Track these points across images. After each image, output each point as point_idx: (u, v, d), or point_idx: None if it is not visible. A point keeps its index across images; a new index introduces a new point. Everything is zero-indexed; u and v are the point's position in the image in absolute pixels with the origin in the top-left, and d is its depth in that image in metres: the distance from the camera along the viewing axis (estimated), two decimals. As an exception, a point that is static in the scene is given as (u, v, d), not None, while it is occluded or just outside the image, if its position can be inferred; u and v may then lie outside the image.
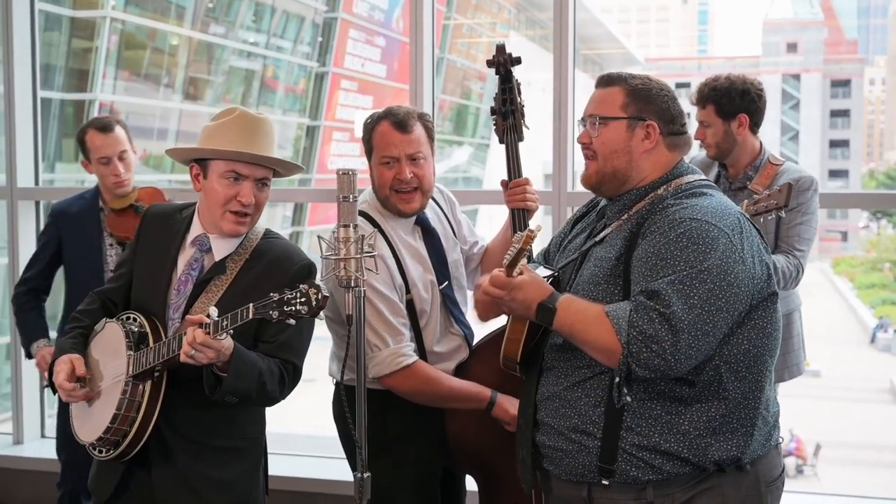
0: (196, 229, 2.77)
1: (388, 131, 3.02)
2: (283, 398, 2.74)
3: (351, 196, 2.44)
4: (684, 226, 2.28)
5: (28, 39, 5.16)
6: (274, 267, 2.70)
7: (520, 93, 3.26)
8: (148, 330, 2.67)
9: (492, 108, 3.28)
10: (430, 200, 3.19)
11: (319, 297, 2.37)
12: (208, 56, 21.95)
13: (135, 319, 2.71)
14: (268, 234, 2.82)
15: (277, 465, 4.58)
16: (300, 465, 4.72)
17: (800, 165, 3.73)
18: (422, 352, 3.07)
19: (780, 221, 3.47)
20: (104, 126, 3.92)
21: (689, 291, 2.22)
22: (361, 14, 25.12)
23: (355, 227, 2.44)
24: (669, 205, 2.37)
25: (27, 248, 5.12)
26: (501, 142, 3.26)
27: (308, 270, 2.72)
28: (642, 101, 2.46)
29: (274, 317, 2.38)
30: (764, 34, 55.54)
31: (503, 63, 3.26)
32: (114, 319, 2.77)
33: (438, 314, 3.13)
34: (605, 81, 2.52)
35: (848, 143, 54.12)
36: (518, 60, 3.25)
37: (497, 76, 3.30)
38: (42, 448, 5.14)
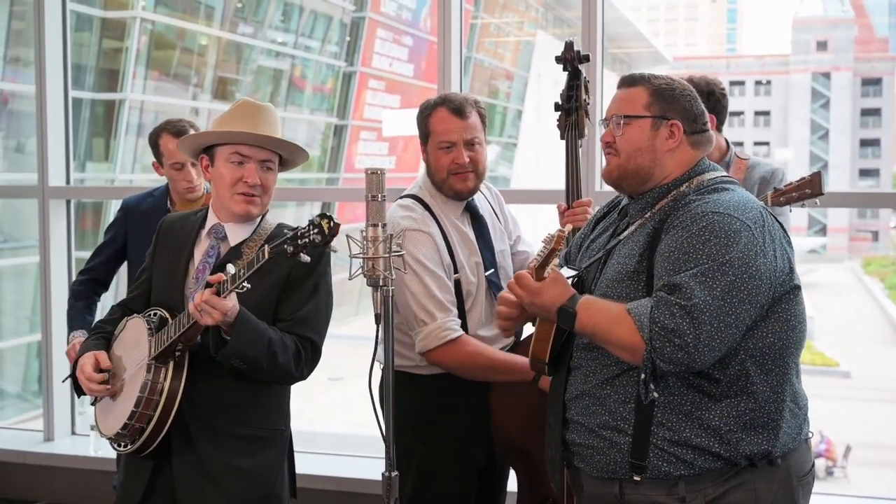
0: (211, 221, 2.84)
1: (447, 117, 3.14)
2: (303, 376, 2.77)
3: (379, 195, 2.46)
4: (707, 219, 2.29)
5: (59, 40, 5.21)
6: None
7: (587, 91, 3.30)
8: (168, 317, 2.72)
9: (556, 104, 3.31)
10: (480, 194, 3.30)
11: (332, 224, 2.42)
12: (237, 56, 22.05)
13: (155, 313, 2.76)
14: (281, 224, 2.88)
15: (305, 464, 4.60)
16: (328, 464, 4.73)
17: (767, 160, 3.75)
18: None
19: None
20: (179, 131, 3.88)
21: (711, 283, 2.23)
22: (389, 13, 25.15)
23: (384, 226, 2.46)
24: (691, 200, 2.38)
25: (59, 246, 5.17)
26: (562, 138, 3.29)
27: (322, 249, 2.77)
28: (666, 100, 2.47)
29: (289, 251, 2.43)
30: (793, 32, 55.05)
31: (570, 60, 3.29)
32: (134, 316, 2.82)
33: (484, 299, 3.19)
34: (628, 82, 2.54)
35: (879, 142, 53.56)
36: (586, 58, 3.30)
37: (565, 73, 3.31)
38: (73, 445, 5.19)
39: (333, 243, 2.48)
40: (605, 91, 4.28)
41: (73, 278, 4.14)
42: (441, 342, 3.03)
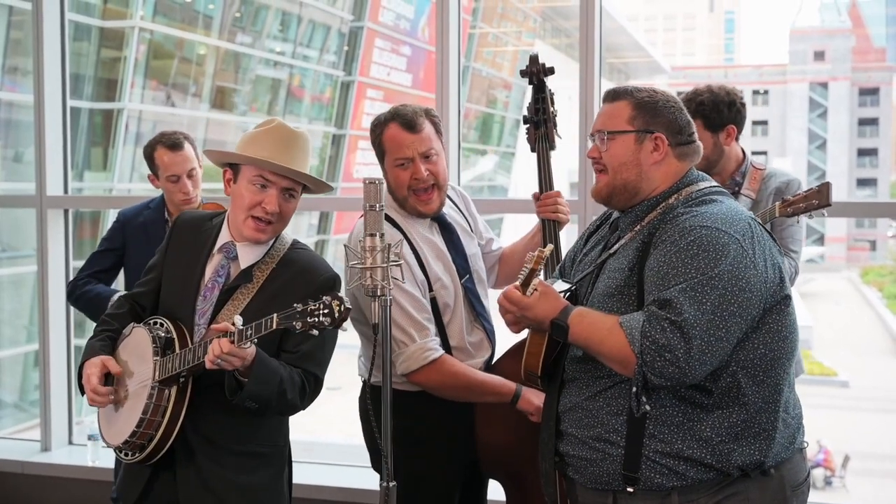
0: (224, 236, 2.81)
1: (398, 133, 3.05)
2: (303, 408, 2.76)
3: (377, 205, 2.45)
4: (694, 234, 2.30)
5: (58, 49, 5.21)
6: (299, 277, 2.72)
7: (553, 103, 3.30)
8: (174, 335, 2.70)
9: (524, 117, 3.31)
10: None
11: (342, 308, 2.38)
12: (235, 65, 22.08)
13: (161, 325, 2.74)
14: (295, 244, 2.84)
15: (303, 474, 4.59)
16: (326, 474, 4.72)
17: (783, 168, 3.76)
18: (446, 348, 3.09)
19: (772, 224, 3.51)
20: (174, 144, 3.88)
21: (700, 298, 2.24)
22: (387, 23, 25.20)
23: (381, 236, 2.45)
24: (680, 213, 2.39)
25: (56, 255, 5.16)
26: (533, 150, 3.30)
27: (332, 283, 2.74)
28: (649, 113, 2.48)
29: (297, 327, 2.40)
30: (791, 42, 55.22)
31: (535, 73, 3.28)
32: (141, 324, 2.80)
33: (462, 308, 3.15)
34: (612, 96, 2.55)
35: (876, 151, 53.67)
36: (551, 70, 3.29)
37: (530, 86, 3.30)
38: (70, 455, 5.17)
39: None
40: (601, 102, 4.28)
41: (70, 282, 4.07)
42: (423, 363, 2.99)
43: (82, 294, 3.98)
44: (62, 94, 5.25)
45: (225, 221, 2.83)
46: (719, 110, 3.55)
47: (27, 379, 14.00)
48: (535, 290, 2.41)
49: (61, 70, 5.23)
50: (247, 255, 2.77)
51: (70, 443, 5.31)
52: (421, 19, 26.21)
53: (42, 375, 5.22)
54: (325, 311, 2.38)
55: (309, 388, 2.72)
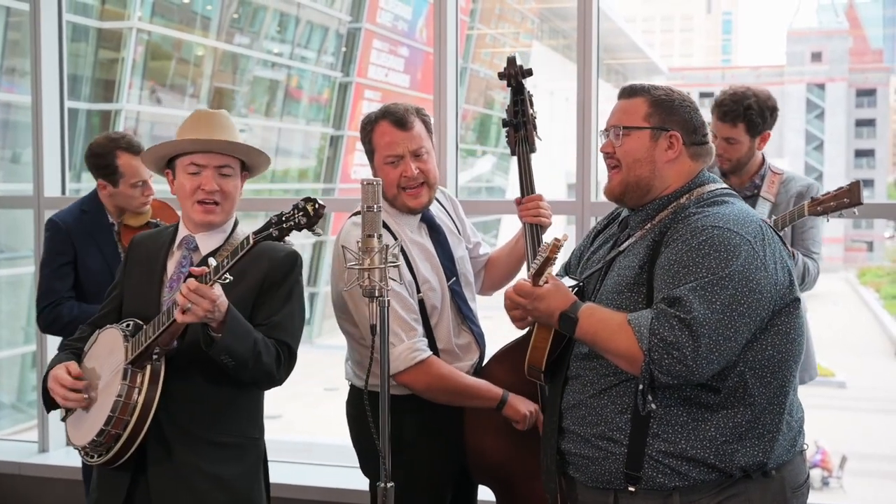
0: (182, 233, 2.86)
1: (389, 130, 3.07)
2: (281, 381, 2.78)
3: (375, 206, 2.45)
4: (706, 233, 2.30)
5: (55, 50, 5.21)
6: (261, 258, 2.74)
7: (532, 104, 3.26)
8: (143, 324, 2.71)
9: (503, 121, 3.29)
10: (434, 201, 3.21)
11: (317, 206, 2.43)
12: (233, 66, 22.08)
13: (128, 323, 2.76)
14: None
15: (301, 475, 4.60)
16: (325, 475, 4.72)
17: (798, 173, 3.79)
18: (434, 350, 3.07)
19: (794, 227, 3.52)
20: (138, 148, 3.79)
21: (710, 297, 2.24)
22: (385, 24, 25.20)
23: (379, 237, 2.45)
24: (691, 213, 2.39)
25: (54, 257, 5.15)
26: (513, 153, 3.27)
27: (294, 257, 2.80)
28: (665, 111, 2.48)
29: (275, 234, 2.44)
30: (788, 43, 55.32)
31: (514, 75, 3.26)
32: (106, 327, 2.81)
33: (449, 311, 3.14)
34: (628, 92, 2.55)
35: (873, 152, 53.78)
36: (529, 72, 3.26)
37: (509, 88, 3.29)
38: (67, 456, 5.16)
39: (318, 228, 2.49)
40: (600, 102, 4.28)
41: (41, 311, 3.81)
42: (410, 364, 2.96)
43: (77, 317, 3.69)
44: (60, 95, 5.24)
45: (180, 223, 2.89)
46: (764, 116, 3.58)
47: (25, 380, 14.00)
48: (547, 281, 2.41)
49: (59, 71, 5.23)
50: (207, 243, 2.82)
51: (68, 444, 5.29)
52: (419, 20, 26.21)
53: (39, 376, 5.22)
54: (301, 213, 2.44)
55: (283, 357, 2.74)
